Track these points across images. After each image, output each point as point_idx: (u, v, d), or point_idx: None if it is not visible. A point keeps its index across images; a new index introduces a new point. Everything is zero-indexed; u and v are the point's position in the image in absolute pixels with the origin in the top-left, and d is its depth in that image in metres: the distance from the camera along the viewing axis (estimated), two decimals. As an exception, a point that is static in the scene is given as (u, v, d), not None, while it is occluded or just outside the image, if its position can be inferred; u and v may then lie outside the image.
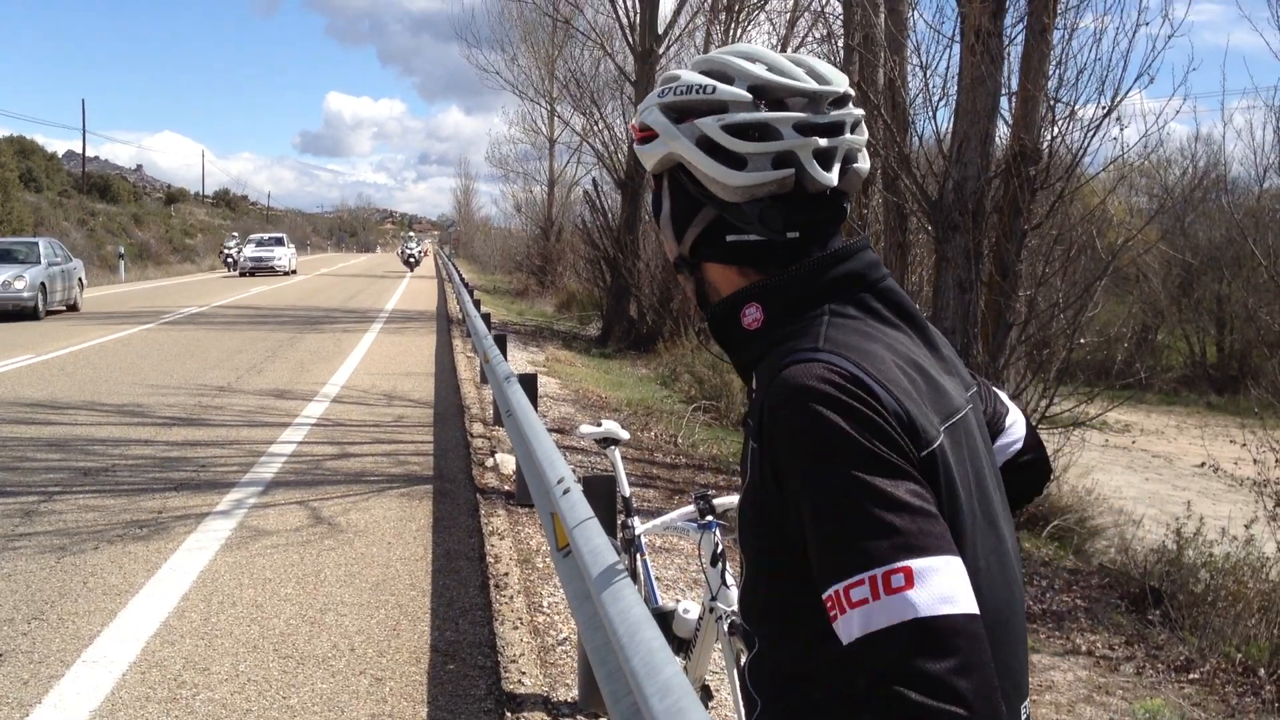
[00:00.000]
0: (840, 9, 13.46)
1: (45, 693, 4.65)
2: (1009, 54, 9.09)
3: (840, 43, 13.10)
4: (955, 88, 9.22)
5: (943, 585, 1.24)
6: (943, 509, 1.39)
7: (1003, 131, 9.24)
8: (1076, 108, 8.69)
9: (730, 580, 3.72)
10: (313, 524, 7.49)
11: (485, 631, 5.60)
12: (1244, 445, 8.44)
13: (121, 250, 46.79)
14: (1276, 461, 8.11)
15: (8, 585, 5.99)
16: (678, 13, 24.38)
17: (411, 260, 61.90)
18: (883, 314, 1.57)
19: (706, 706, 4.05)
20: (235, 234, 61.11)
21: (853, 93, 1.61)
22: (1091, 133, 8.56)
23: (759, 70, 1.57)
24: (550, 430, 8.01)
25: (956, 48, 9.25)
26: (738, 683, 3.64)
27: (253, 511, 7.70)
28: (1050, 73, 8.86)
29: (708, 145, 1.56)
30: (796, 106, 1.55)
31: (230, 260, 53.25)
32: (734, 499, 4.08)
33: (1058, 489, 10.04)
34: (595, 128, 28.11)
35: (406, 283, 45.30)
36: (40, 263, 23.88)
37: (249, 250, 50.74)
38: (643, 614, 3.05)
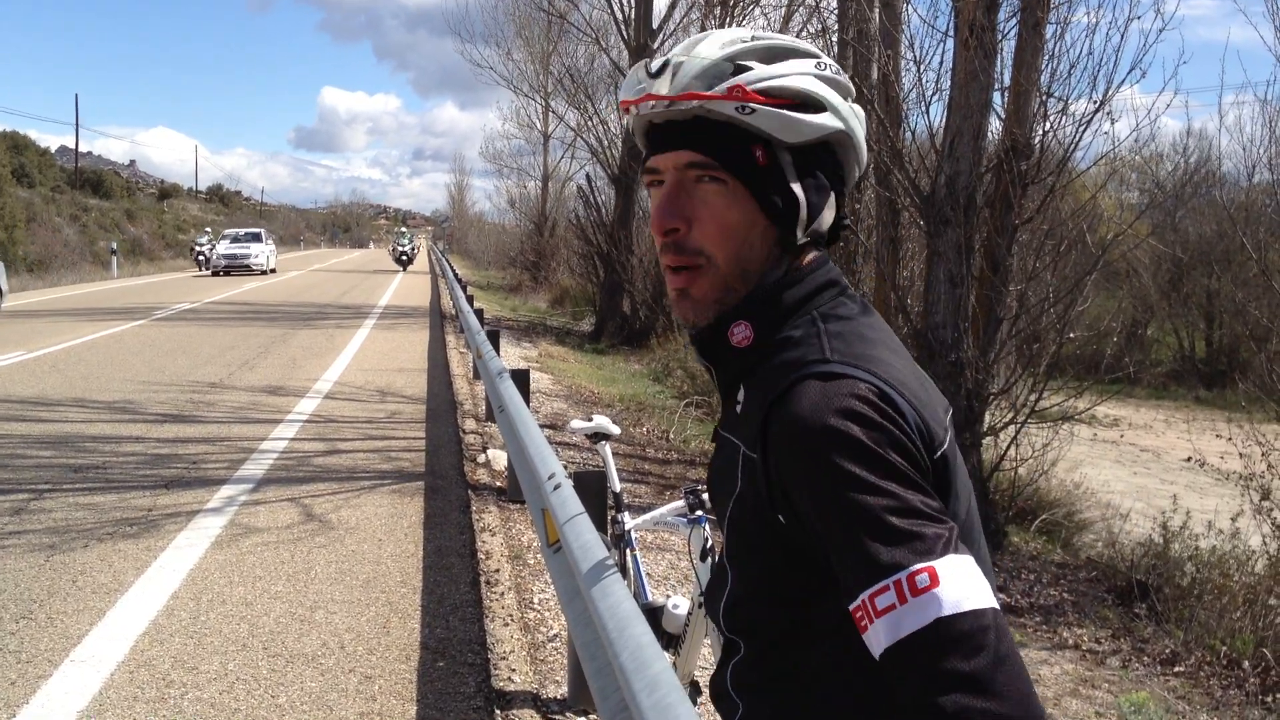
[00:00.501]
0: (835, 3, 13.49)
1: (33, 692, 4.65)
2: (1002, 48, 9.10)
3: (835, 37, 13.10)
4: (948, 82, 9.22)
5: (964, 583, 1.26)
6: (954, 508, 1.44)
7: (995, 126, 9.26)
8: (1069, 102, 8.71)
9: (718, 576, 3.72)
10: (303, 521, 7.49)
11: (475, 628, 5.61)
12: (1231, 439, 8.47)
13: (114, 246, 46.62)
14: (1263, 455, 8.14)
15: (-2, 583, 5.99)
16: (673, 7, 24.36)
17: (404, 258, 56.39)
18: (863, 305, 1.59)
19: (695, 702, 4.06)
20: (208, 229, 57.12)
21: None
22: (1083, 127, 8.58)
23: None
24: (542, 426, 8.02)
25: (950, 42, 9.26)
26: (707, 689, 3.66)
27: (243, 509, 7.70)
28: (1043, 67, 8.87)
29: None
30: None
31: (202, 258, 48.51)
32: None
33: (1046, 483, 10.08)
34: (589, 123, 28.17)
35: (400, 279, 45.18)
36: None
37: (223, 247, 46.02)
38: (632, 609, 3.06)
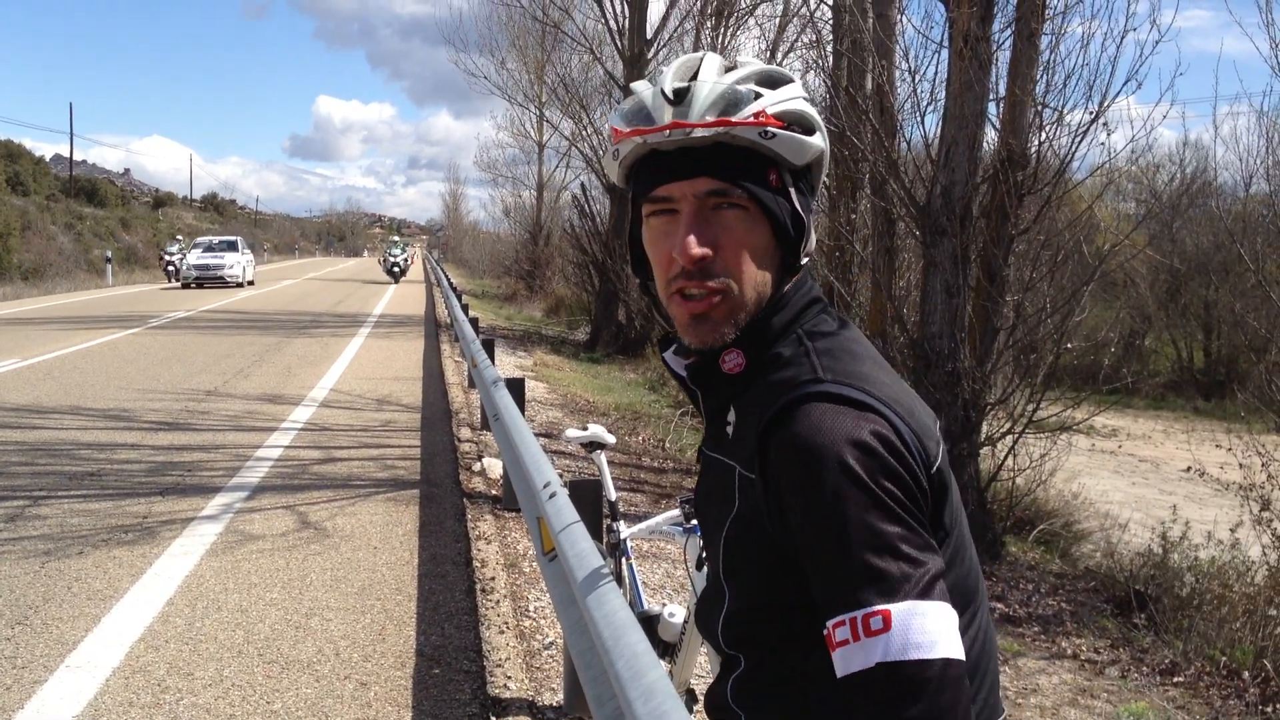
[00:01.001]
0: (829, 14, 13.51)
1: (28, 698, 4.63)
2: (997, 59, 9.10)
3: (829, 48, 13.13)
4: (943, 93, 9.23)
5: (920, 630, 1.28)
6: (950, 520, 1.47)
7: (990, 136, 9.25)
8: (1064, 113, 8.71)
9: (715, 584, 3.71)
10: (299, 528, 7.46)
11: (471, 636, 5.59)
12: (1230, 450, 8.47)
13: (109, 255, 46.59)
14: (1262, 466, 8.14)
15: (-9, 590, 5.96)
16: (666, 17, 24.39)
17: (396, 270, 50.85)
18: (840, 320, 1.61)
19: (691, 710, 4.04)
20: (179, 236, 52.53)
21: None
22: (1079, 138, 8.58)
23: None
24: (537, 435, 8.01)
25: (945, 53, 9.27)
26: (702, 701, 3.64)
27: (239, 516, 7.68)
28: (1038, 78, 8.87)
29: None
30: None
31: (171, 269, 44.51)
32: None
33: (1044, 493, 10.07)
34: (584, 132, 28.18)
35: (394, 288, 45.12)
36: None
37: (193, 257, 41.84)
38: (627, 618, 3.04)
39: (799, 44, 19.45)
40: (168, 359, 16.95)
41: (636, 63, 23.87)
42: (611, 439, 4.80)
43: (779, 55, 19.74)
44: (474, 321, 15.33)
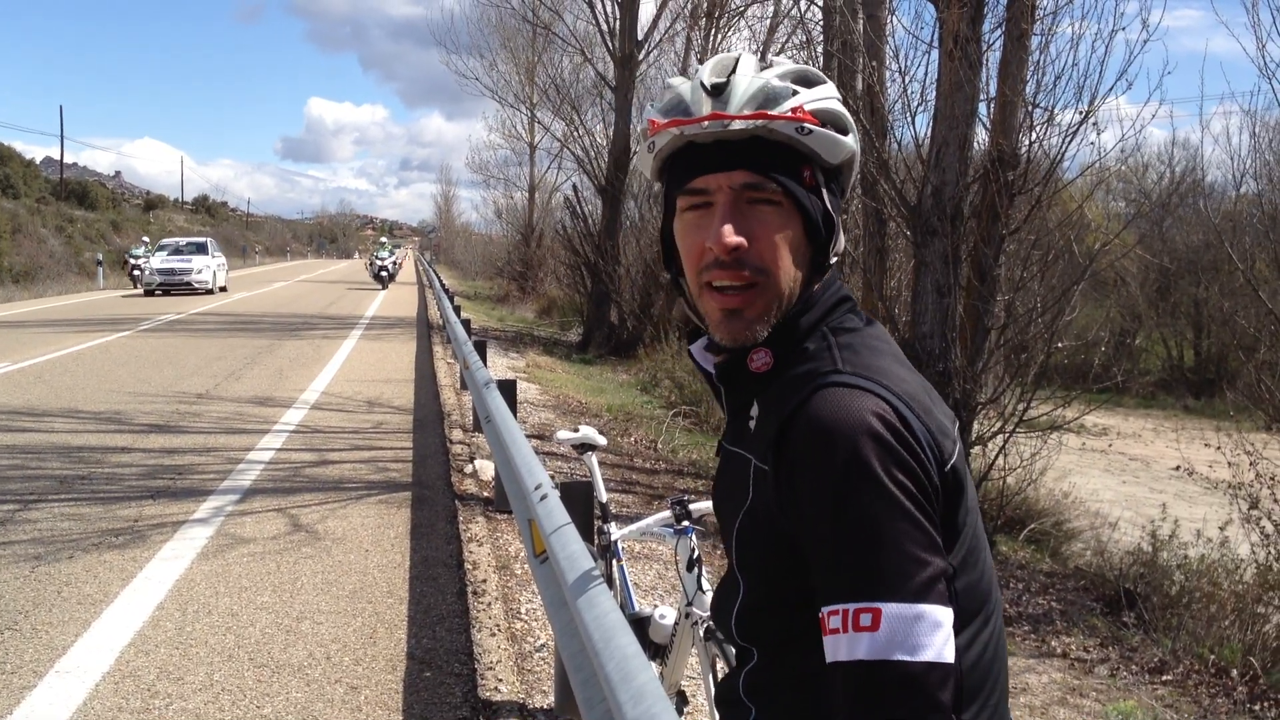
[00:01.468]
0: (820, 15, 13.51)
1: (17, 704, 4.62)
2: (987, 59, 9.11)
3: (820, 49, 13.13)
4: (934, 93, 9.24)
5: (908, 633, 1.29)
6: (963, 521, 1.47)
7: (981, 137, 9.27)
8: (1054, 113, 8.72)
9: (706, 585, 3.72)
10: (290, 531, 7.46)
11: (462, 639, 5.59)
12: (1219, 448, 8.49)
13: (100, 257, 46.45)
14: (1251, 464, 8.16)
15: (-19, 595, 5.95)
16: (657, 18, 24.43)
17: (384, 274, 46.04)
18: (867, 319, 1.63)
19: (682, 712, 4.05)
20: (145, 237, 48.72)
21: None
22: (1069, 138, 8.60)
23: None
24: (530, 436, 8.01)
25: (935, 53, 9.27)
26: (714, 687, 3.65)
27: (230, 519, 7.67)
28: (1028, 78, 8.88)
29: None
30: None
31: (138, 273, 40.36)
32: (710, 504, 4.09)
33: (1035, 492, 10.08)
34: (575, 133, 28.14)
35: (386, 290, 44.96)
36: None
37: (158, 260, 37.73)
38: (618, 620, 3.05)
39: (789, 45, 19.48)
40: (159, 362, 16.93)
41: (627, 64, 23.88)
42: (603, 440, 4.81)
43: (769, 56, 19.73)
44: (466, 323, 15.31)
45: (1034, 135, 8.81)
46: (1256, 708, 5.80)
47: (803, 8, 15.69)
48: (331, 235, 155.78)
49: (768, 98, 1.52)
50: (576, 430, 4.78)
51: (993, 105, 9.20)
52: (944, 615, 1.32)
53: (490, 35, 38.79)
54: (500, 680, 5.08)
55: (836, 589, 1.33)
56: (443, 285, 30.89)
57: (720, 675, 3.63)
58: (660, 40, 24.85)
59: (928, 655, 1.29)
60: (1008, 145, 8.81)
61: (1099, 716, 5.37)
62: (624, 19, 23.99)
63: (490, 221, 60.52)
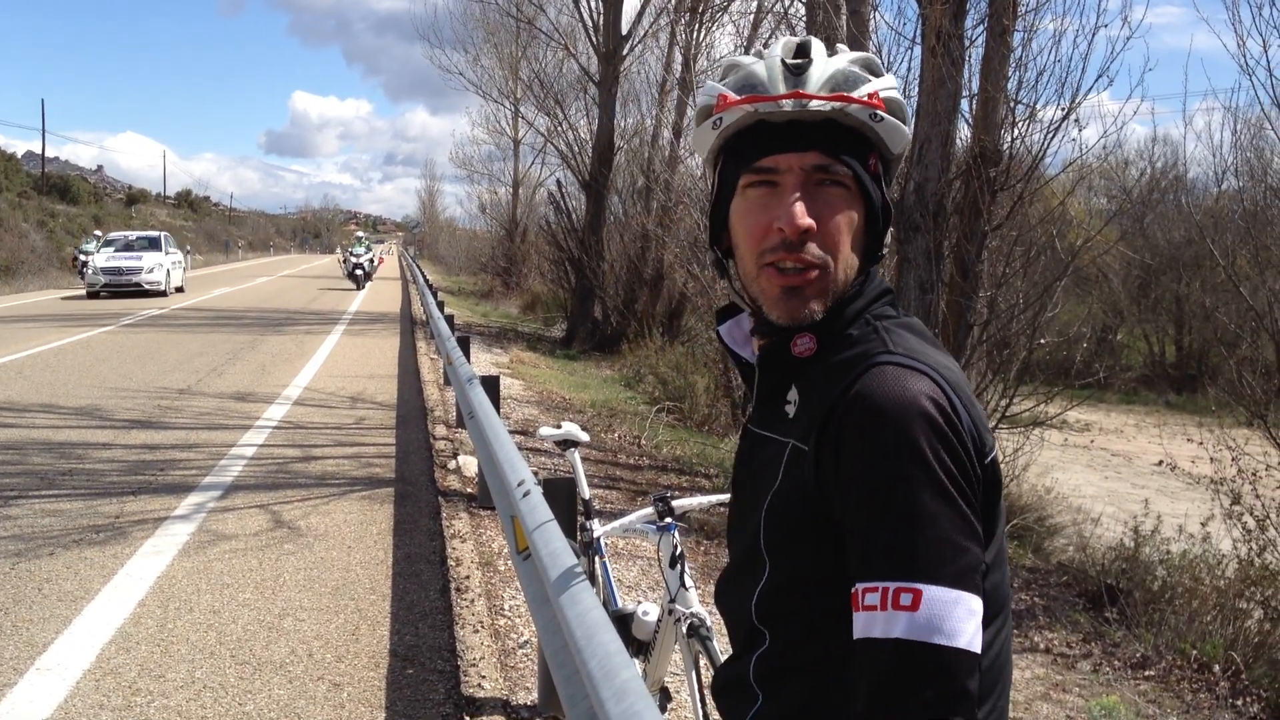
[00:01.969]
0: (803, 11, 13.50)
1: (-2, 701, 4.60)
2: (970, 56, 9.12)
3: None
4: (916, 89, 9.25)
5: (946, 617, 1.30)
6: (996, 518, 1.48)
7: (964, 133, 9.28)
8: (1037, 109, 8.74)
9: (689, 582, 3.72)
10: (272, 528, 7.43)
11: (445, 635, 5.58)
12: (1201, 444, 8.52)
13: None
14: (1233, 460, 8.19)
15: (-39, 592, 5.92)
16: (641, 13, 24.38)
17: (359, 273, 41.18)
18: (899, 309, 1.63)
19: (665, 708, 4.05)
20: (97, 231, 43.76)
21: None
22: (1051, 134, 8.62)
23: None
24: (513, 432, 8.00)
25: (918, 50, 9.28)
26: (697, 685, 3.65)
27: (211, 515, 7.64)
28: (1010, 74, 8.89)
29: None
30: None
31: (87, 270, 34.28)
32: (693, 500, 4.09)
33: (1017, 488, 10.11)
34: (559, 128, 28.10)
35: (369, 286, 44.79)
36: None
37: (103, 257, 32.86)
38: (600, 617, 3.05)
39: (773, 40, 19.45)
40: (141, 357, 16.85)
41: (611, 59, 23.86)
42: (585, 436, 4.81)
43: (753, 51, 19.76)
44: (449, 319, 15.29)
45: (1016, 131, 8.83)
46: (1239, 703, 5.82)
47: (786, 3, 15.69)
48: (315, 230, 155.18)
49: (845, 81, 1.52)
50: (559, 426, 4.78)
51: (975, 101, 9.21)
52: (978, 605, 1.33)
53: (474, 29, 38.67)
54: (483, 677, 5.07)
55: (876, 566, 1.34)
56: (426, 281, 30.84)
57: (705, 671, 3.63)
58: (644, 35, 24.83)
59: (961, 642, 1.29)
60: (990, 141, 8.82)
61: (1082, 712, 5.38)
62: (608, 14, 23.96)
63: (474, 217, 60.40)
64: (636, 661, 3.90)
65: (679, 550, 3.79)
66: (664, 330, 21.16)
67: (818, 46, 1.56)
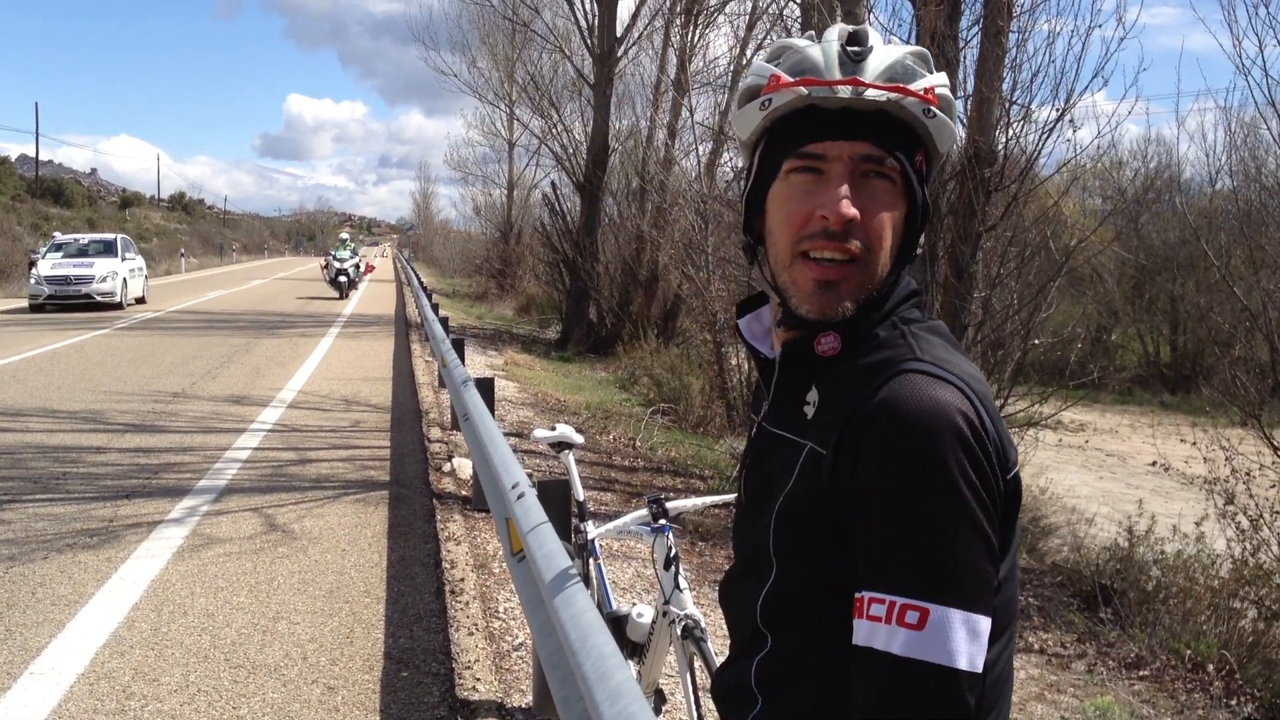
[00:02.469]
0: (798, 12, 13.51)
1: (-9, 705, 4.59)
2: (964, 57, 9.14)
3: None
4: (910, 91, 9.24)
5: (949, 639, 1.29)
6: (1012, 534, 1.45)
7: (958, 134, 9.29)
8: (1031, 110, 8.75)
9: (683, 584, 3.72)
10: (266, 531, 7.43)
11: (440, 638, 5.57)
12: (1195, 444, 8.53)
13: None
14: (1227, 460, 8.20)
15: (-46, 596, 5.90)
16: (636, 15, 24.39)
17: (343, 280, 36.09)
18: (924, 312, 1.60)
19: (660, 711, 4.04)
20: (57, 233, 37.65)
21: None
22: (1046, 135, 8.63)
23: None
24: (508, 434, 7.99)
25: (911, 51, 9.27)
26: (692, 687, 3.65)
27: (206, 519, 7.63)
28: (1005, 75, 8.90)
29: None
30: None
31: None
32: (688, 502, 4.08)
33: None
34: (554, 130, 28.12)
35: (364, 288, 44.70)
36: None
37: (47, 265, 27.99)
38: (594, 619, 3.04)
39: (768, 41, 19.47)
40: (135, 360, 16.83)
41: (606, 60, 23.87)
42: (579, 438, 4.81)
43: (748, 53, 19.76)
44: (444, 321, 15.28)
45: (1011, 132, 8.84)
46: (1233, 703, 5.82)
47: (781, 4, 15.71)
48: (310, 233, 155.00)
49: (904, 72, 1.49)
50: (553, 429, 4.78)
51: (970, 102, 9.22)
52: (985, 626, 1.31)
53: (469, 32, 38.73)
54: (478, 680, 5.06)
55: (886, 579, 1.32)
56: (421, 283, 30.84)
57: (699, 673, 3.63)
58: (639, 37, 24.83)
59: (961, 663, 1.28)
60: (985, 142, 8.82)
61: (1076, 712, 5.39)
62: (603, 16, 23.97)
63: (469, 219, 60.39)
64: (631, 664, 3.89)
65: (673, 552, 3.79)
66: (659, 332, 21.16)
67: (875, 36, 1.52)
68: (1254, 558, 7.51)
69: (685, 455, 11.49)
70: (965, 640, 1.29)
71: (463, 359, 11.05)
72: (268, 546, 7.06)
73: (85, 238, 31.97)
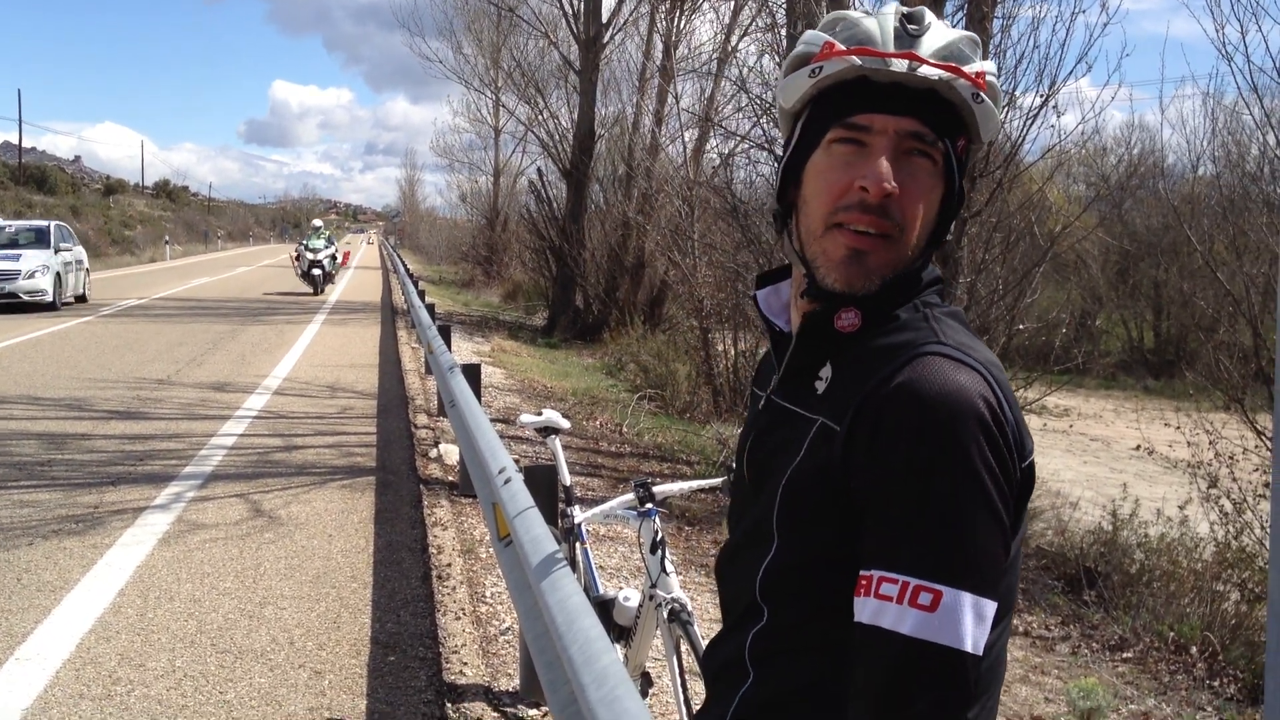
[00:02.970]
0: (782, -2, 13.50)
1: (-23, 691, 4.58)
2: (949, 42, 9.13)
3: (784, 31, 13.12)
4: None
5: (959, 621, 1.29)
6: (1024, 512, 1.45)
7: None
8: (1016, 95, 8.76)
9: (670, 567, 3.73)
10: (252, 517, 7.42)
11: (427, 623, 5.58)
12: (1179, 428, 8.57)
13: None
14: (1210, 443, 8.24)
15: (-61, 583, 5.89)
16: (621, 1, 24.35)
17: (317, 273, 30.99)
18: (943, 299, 1.59)
19: (646, 694, 4.06)
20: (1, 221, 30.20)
21: None
22: (1030, 121, 8.65)
23: None
24: (494, 420, 7.99)
25: (896, 36, 9.27)
26: (679, 669, 3.66)
27: (191, 505, 7.62)
28: (989, 61, 8.91)
29: None
30: None
31: None
32: (674, 486, 4.10)
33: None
34: (540, 117, 28.09)
35: (350, 275, 44.60)
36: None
37: None
38: (581, 603, 3.05)
39: (753, 28, 19.46)
40: (120, 347, 16.78)
41: (591, 46, 23.83)
42: (566, 424, 4.81)
43: (733, 39, 19.76)
44: (430, 307, 15.26)
45: (995, 118, 8.84)
46: (1215, 684, 5.87)
47: (766, -10, 15.68)
48: (295, 220, 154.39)
49: (957, 54, 1.46)
50: (539, 414, 4.78)
51: (955, 88, 9.22)
52: (991, 610, 1.31)
53: (454, 18, 38.59)
54: (465, 664, 5.08)
55: (900, 558, 1.31)
56: (407, 270, 30.77)
57: (686, 656, 3.65)
58: (624, 23, 24.81)
59: (967, 645, 1.28)
60: (970, 128, 8.83)
61: (1060, 694, 5.42)
62: (588, 2, 23.93)
63: (455, 206, 60.30)
64: (618, 647, 3.91)
65: (660, 536, 3.80)
66: (645, 318, 21.18)
67: (931, 14, 1.49)
68: (1237, 541, 7.57)
69: (672, 440, 11.51)
70: (974, 624, 1.29)
71: (449, 345, 11.04)
72: (254, 532, 7.06)
73: (14, 225, 27.05)
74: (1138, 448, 9.82)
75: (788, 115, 1.61)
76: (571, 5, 24.27)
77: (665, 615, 3.64)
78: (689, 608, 3.64)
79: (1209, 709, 5.64)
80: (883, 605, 1.30)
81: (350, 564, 6.48)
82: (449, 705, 4.64)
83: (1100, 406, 21.33)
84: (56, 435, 9.88)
